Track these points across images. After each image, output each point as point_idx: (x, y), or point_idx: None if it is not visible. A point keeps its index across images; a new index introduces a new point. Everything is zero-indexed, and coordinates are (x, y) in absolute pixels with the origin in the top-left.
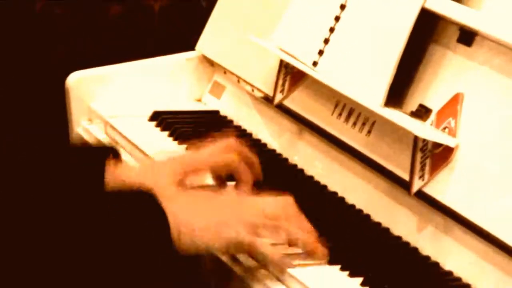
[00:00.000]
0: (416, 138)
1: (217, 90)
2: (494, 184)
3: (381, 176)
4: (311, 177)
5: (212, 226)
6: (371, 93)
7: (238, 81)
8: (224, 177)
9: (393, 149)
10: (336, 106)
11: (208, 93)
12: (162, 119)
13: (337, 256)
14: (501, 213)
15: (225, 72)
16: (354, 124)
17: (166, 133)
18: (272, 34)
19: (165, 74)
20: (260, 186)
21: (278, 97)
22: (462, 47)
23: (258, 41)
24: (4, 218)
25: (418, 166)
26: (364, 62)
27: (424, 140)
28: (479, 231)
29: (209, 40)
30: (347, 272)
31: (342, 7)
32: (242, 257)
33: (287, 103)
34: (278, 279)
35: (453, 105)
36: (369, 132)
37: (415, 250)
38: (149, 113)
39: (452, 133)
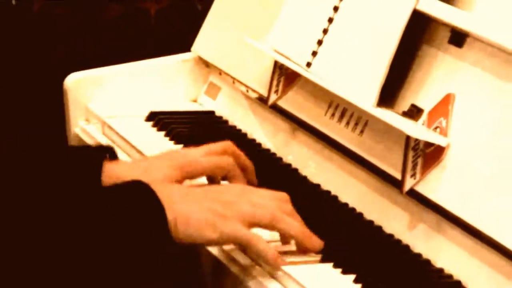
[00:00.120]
0: (408, 138)
1: (212, 91)
2: (485, 183)
3: (374, 175)
4: (305, 176)
5: (208, 217)
6: (363, 94)
7: (233, 82)
8: (218, 179)
9: (385, 149)
10: (329, 106)
11: (204, 94)
12: (159, 119)
13: (330, 254)
14: (491, 211)
15: (220, 73)
16: (347, 124)
17: (163, 133)
18: (266, 36)
19: (162, 75)
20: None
21: (273, 98)
22: (453, 48)
23: (253, 42)
24: (1, 216)
25: (410, 165)
26: (357, 63)
27: (416, 139)
28: (470, 229)
29: (204, 42)
30: (340, 270)
31: (336, 8)
32: (239, 257)
33: (281, 103)
34: (273, 277)
35: (444, 105)
36: (361, 131)
37: (407, 247)
38: (146, 114)
39: (444, 132)
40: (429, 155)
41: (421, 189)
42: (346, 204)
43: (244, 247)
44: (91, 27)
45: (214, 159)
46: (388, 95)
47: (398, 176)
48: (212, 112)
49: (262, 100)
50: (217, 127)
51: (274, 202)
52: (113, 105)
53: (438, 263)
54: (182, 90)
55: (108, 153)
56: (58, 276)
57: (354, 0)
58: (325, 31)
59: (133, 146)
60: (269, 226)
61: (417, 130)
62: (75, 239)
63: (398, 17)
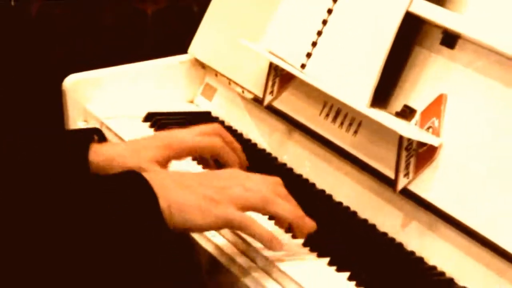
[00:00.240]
0: (401, 138)
1: (208, 92)
2: (477, 182)
3: (368, 174)
4: (300, 176)
5: (201, 203)
6: (357, 94)
7: (229, 83)
8: (211, 163)
9: (379, 148)
10: (323, 106)
11: (200, 95)
12: (156, 120)
13: (325, 251)
14: (483, 210)
15: (216, 75)
16: (341, 124)
17: None
18: (262, 38)
19: (159, 77)
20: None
21: (268, 99)
22: (445, 50)
23: (248, 44)
24: None
25: (403, 164)
26: (350, 64)
27: (409, 139)
28: (462, 227)
29: (201, 44)
30: (334, 267)
31: (329, 11)
32: (237, 257)
33: (277, 104)
34: (270, 276)
35: (436, 106)
36: (355, 132)
37: (400, 245)
38: (143, 114)
39: (436, 132)
40: (421, 154)
41: (414, 188)
42: (340, 203)
43: (239, 229)
44: (89, 29)
45: (202, 138)
46: (382, 95)
47: (391, 175)
48: (208, 113)
49: (257, 101)
50: None
51: (267, 186)
52: (111, 106)
53: (431, 260)
54: (179, 91)
55: (96, 134)
56: (52, 270)
57: (348, 3)
58: (319, 33)
59: None
60: (262, 210)
61: (410, 130)
62: (69, 233)
63: (391, 19)
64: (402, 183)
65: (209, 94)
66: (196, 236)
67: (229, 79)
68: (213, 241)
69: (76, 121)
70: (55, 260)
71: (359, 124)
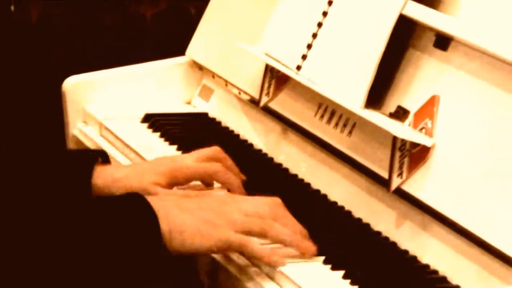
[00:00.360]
0: (394, 138)
1: (206, 93)
2: (469, 182)
3: (362, 175)
4: (295, 176)
5: (201, 227)
6: (351, 96)
7: (226, 85)
8: (212, 183)
9: (373, 149)
10: (319, 108)
11: (198, 96)
12: (154, 121)
13: (320, 251)
14: (475, 209)
15: (213, 76)
16: (336, 125)
17: (158, 134)
18: (258, 40)
19: (157, 78)
20: (247, 186)
21: (264, 100)
22: (438, 52)
23: (245, 46)
24: None
25: (396, 165)
26: (345, 66)
27: (402, 140)
28: (455, 226)
29: (198, 46)
30: (329, 266)
31: (325, 13)
32: (235, 256)
33: (272, 105)
34: (268, 276)
35: (429, 107)
36: (350, 132)
37: (394, 244)
38: (142, 115)
39: (429, 133)
40: (415, 155)
41: (408, 188)
42: (335, 203)
43: (238, 251)
44: (88, 31)
45: (202, 165)
46: (376, 97)
47: (385, 175)
48: (206, 114)
49: (253, 102)
50: (210, 128)
51: (266, 209)
52: (110, 107)
53: (424, 259)
54: (177, 93)
55: (100, 156)
56: (50, 283)
57: (343, 5)
58: (314, 35)
59: (129, 147)
60: (261, 235)
61: (404, 131)
62: (68, 251)
63: (385, 22)
64: (395, 183)
65: (206, 95)
66: None
67: (226, 81)
68: None
69: (75, 122)
70: (56, 278)
71: (354, 125)
